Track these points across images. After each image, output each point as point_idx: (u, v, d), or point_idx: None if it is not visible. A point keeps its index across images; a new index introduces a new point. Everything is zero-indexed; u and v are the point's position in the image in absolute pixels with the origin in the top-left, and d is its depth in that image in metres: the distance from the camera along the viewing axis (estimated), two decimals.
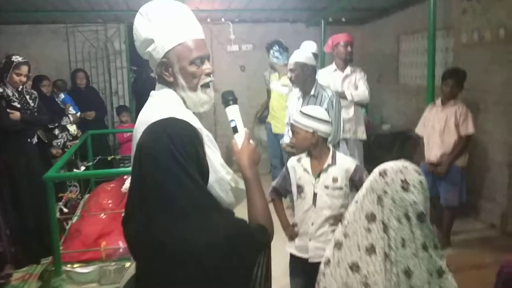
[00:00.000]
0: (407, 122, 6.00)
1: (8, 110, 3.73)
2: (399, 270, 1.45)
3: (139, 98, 7.47)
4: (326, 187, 2.46)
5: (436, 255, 1.49)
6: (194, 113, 1.62)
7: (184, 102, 1.61)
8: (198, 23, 1.65)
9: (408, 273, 1.45)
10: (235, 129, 1.59)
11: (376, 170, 1.56)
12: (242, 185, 1.52)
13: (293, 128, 2.58)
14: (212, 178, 1.39)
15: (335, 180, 2.47)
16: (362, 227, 1.52)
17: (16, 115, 3.77)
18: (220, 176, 1.49)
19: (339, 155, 2.58)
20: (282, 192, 2.70)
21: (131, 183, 1.28)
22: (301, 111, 2.60)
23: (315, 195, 2.47)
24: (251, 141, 1.58)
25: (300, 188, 2.54)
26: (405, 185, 1.49)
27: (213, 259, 1.15)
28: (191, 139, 1.23)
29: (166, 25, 1.55)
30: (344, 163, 2.53)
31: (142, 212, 1.18)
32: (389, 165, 1.56)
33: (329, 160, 2.50)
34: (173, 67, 1.57)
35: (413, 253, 1.46)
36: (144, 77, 7.99)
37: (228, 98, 1.63)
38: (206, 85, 1.62)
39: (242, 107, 6.48)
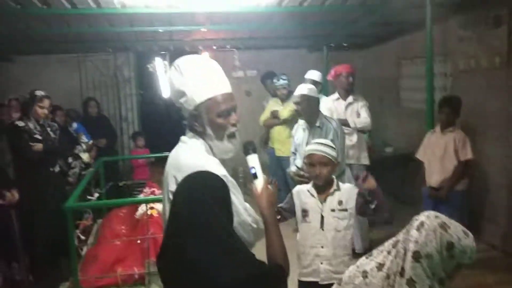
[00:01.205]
0: (409, 145, 6.14)
1: (30, 143, 3.94)
2: None
3: (145, 120, 7.74)
4: (333, 210, 2.62)
5: None
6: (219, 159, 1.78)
7: (211, 149, 1.78)
8: (226, 78, 1.81)
9: None
10: (255, 176, 1.78)
11: (442, 241, 1.56)
12: (261, 225, 1.70)
13: (322, 160, 2.66)
14: (236, 220, 1.57)
15: (340, 203, 2.63)
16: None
17: (39, 146, 3.97)
18: (243, 218, 1.66)
19: (341, 183, 2.77)
20: (287, 213, 2.80)
21: (168, 225, 1.44)
22: (326, 144, 2.75)
23: (322, 218, 2.62)
24: (269, 186, 1.76)
25: (305, 212, 2.69)
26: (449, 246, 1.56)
27: None
28: (220, 190, 1.43)
29: (197, 80, 1.72)
30: (348, 188, 2.72)
31: (177, 248, 1.35)
32: (457, 239, 1.57)
33: (334, 186, 2.68)
34: (203, 118, 1.74)
35: None
36: (149, 100, 8.27)
37: (249, 148, 1.83)
38: (232, 135, 1.78)
39: (248, 131, 6.68)
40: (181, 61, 1.78)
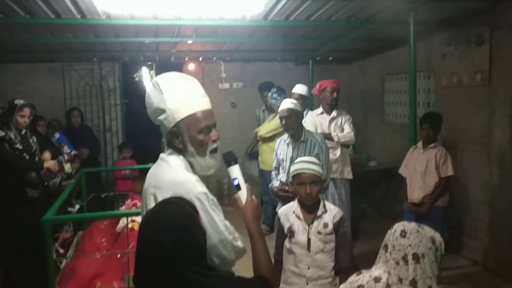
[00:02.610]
0: (392, 159, 6.20)
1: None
2: None
3: (129, 130, 7.68)
4: (319, 233, 2.62)
5: None
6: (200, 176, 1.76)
7: (192, 166, 1.76)
8: (206, 95, 1.81)
9: None
10: (238, 187, 1.76)
11: (426, 238, 1.65)
12: (241, 243, 1.69)
13: (314, 179, 2.65)
14: (216, 239, 1.59)
15: (326, 225, 2.64)
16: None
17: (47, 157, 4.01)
18: (224, 236, 1.64)
19: (327, 204, 2.76)
20: (282, 242, 2.76)
21: (138, 253, 1.44)
22: (313, 162, 2.74)
23: (309, 240, 2.62)
24: (253, 197, 1.75)
25: (291, 233, 2.68)
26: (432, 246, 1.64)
27: None
28: (186, 225, 1.40)
29: (177, 97, 1.71)
30: (333, 211, 2.71)
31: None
32: (433, 233, 1.68)
33: (321, 208, 2.67)
34: (183, 135, 1.73)
35: None
36: (134, 109, 8.21)
37: (230, 159, 1.79)
38: (214, 151, 1.78)
39: (233, 142, 6.72)
40: (160, 78, 1.77)
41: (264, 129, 5.48)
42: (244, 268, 1.83)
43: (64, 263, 4.01)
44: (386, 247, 1.70)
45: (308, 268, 2.61)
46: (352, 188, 4.86)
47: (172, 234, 1.35)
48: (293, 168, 2.79)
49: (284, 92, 5.50)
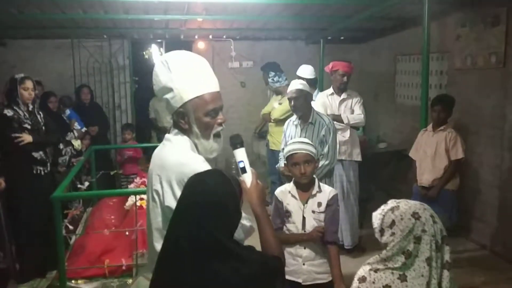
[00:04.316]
0: (403, 141, 6.15)
1: (17, 134, 3.84)
2: None
3: (141, 108, 7.67)
4: (313, 211, 2.65)
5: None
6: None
7: (196, 147, 1.75)
8: (215, 77, 1.77)
9: None
10: (243, 170, 1.75)
11: (407, 215, 1.65)
12: (248, 222, 1.69)
13: (306, 158, 2.67)
14: None
15: (319, 204, 2.66)
16: (399, 261, 1.66)
17: (28, 138, 3.90)
18: None
19: (322, 184, 2.79)
20: (281, 223, 2.76)
21: (170, 230, 1.43)
22: (307, 143, 2.76)
23: (304, 219, 2.65)
24: (258, 181, 1.74)
25: (288, 213, 2.70)
26: (433, 219, 1.65)
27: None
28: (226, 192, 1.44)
29: (186, 77, 1.68)
30: (327, 190, 2.73)
31: (192, 258, 1.35)
32: (415, 207, 1.68)
33: (316, 188, 2.69)
34: (189, 116, 1.71)
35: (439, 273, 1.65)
36: (145, 87, 8.19)
37: (236, 142, 1.78)
38: (218, 135, 1.77)
39: (242, 122, 6.72)
40: (169, 56, 1.74)
41: (278, 112, 5.43)
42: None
43: (74, 239, 4.08)
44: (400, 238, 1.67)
45: (304, 248, 2.64)
46: (361, 170, 4.83)
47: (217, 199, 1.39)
48: (286, 149, 2.82)
49: (282, 71, 5.46)
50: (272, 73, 5.45)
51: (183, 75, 1.68)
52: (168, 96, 1.71)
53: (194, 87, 1.69)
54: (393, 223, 1.68)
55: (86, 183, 4.84)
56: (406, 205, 1.69)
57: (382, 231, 1.72)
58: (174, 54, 1.75)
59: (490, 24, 4.46)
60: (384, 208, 1.75)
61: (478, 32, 4.65)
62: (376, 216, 1.75)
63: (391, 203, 1.75)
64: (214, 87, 1.74)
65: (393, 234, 1.67)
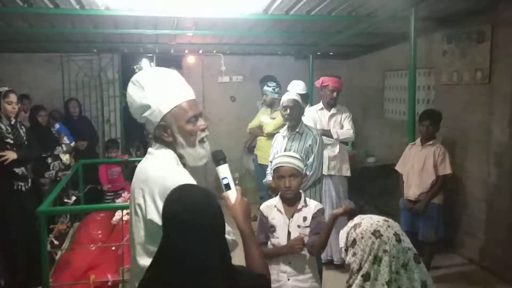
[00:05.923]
0: (391, 156, 6.17)
1: (1, 153, 3.78)
2: None
3: (129, 122, 7.61)
4: (299, 226, 2.63)
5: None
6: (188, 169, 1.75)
7: (182, 159, 1.75)
8: (188, 86, 1.79)
9: None
10: (227, 186, 1.74)
11: (367, 234, 1.54)
12: (232, 236, 1.67)
13: (293, 172, 2.66)
14: None
15: (305, 219, 2.65)
16: (358, 285, 1.54)
17: (12, 156, 3.83)
18: None
19: (308, 199, 2.77)
20: (265, 238, 2.74)
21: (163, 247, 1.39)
22: (294, 157, 2.75)
23: (289, 234, 2.62)
24: (243, 197, 1.74)
25: (272, 228, 2.68)
26: (397, 237, 1.53)
27: None
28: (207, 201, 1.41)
29: (160, 91, 1.69)
30: (313, 204, 2.71)
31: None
32: (378, 224, 1.56)
33: (302, 203, 2.68)
34: (171, 127, 1.71)
35: None
36: None
37: (219, 158, 1.77)
38: (202, 140, 1.77)
39: (232, 135, 6.65)
40: (138, 76, 1.75)
41: (271, 126, 5.43)
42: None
43: (59, 255, 4.01)
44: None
45: (289, 263, 2.61)
46: (350, 185, 4.84)
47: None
48: (273, 162, 2.82)
49: (280, 87, 5.49)
50: (274, 84, 5.50)
51: (157, 90, 1.69)
52: (146, 113, 1.71)
53: (170, 98, 1.70)
54: (354, 242, 1.57)
55: (73, 198, 4.78)
56: (368, 222, 1.58)
57: (346, 250, 1.61)
58: (143, 73, 1.77)
59: (476, 41, 4.54)
60: (349, 225, 1.64)
61: (464, 48, 4.72)
62: (342, 234, 1.65)
63: (356, 219, 1.64)
64: (190, 95, 1.76)
65: (354, 254, 1.56)
